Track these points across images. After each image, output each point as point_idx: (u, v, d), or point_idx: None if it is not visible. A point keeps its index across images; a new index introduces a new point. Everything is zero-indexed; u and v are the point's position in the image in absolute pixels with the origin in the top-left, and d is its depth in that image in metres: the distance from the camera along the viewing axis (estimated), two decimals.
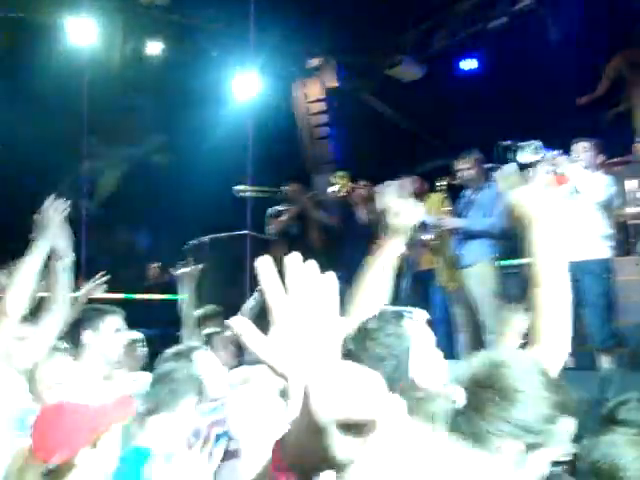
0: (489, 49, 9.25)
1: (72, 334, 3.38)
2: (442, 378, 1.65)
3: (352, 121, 9.83)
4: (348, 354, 1.53)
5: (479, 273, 5.54)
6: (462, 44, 9.21)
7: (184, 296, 4.42)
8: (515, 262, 5.61)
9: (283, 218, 7.53)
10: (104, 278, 4.13)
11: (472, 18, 8.92)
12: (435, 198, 6.09)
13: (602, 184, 5.06)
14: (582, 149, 5.23)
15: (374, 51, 9.70)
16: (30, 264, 2.95)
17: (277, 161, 9.66)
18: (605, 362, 5.02)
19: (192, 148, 9.79)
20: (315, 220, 7.49)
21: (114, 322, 3.44)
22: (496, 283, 5.50)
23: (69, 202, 3.08)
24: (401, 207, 2.22)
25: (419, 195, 6.33)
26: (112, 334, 3.40)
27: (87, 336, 3.36)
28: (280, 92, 9.74)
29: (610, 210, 5.26)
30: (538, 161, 5.03)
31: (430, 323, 5.30)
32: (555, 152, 5.11)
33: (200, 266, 4.68)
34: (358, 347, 1.62)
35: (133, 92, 9.19)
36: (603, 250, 5.08)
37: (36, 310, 3.20)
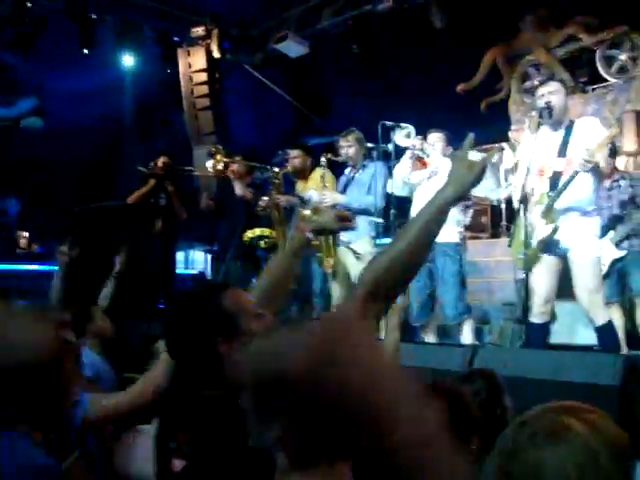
0: (375, 31, 9.34)
1: None
2: None
3: (236, 93, 9.72)
4: None
5: (357, 250, 5.62)
6: (347, 24, 9.25)
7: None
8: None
9: (142, 190, 7.45)
10: None
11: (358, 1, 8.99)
12: (317, 174, 6.11)
13: None
14: (435, 138, 5.46)
15: (259, 24, 9.60)
16: None
17: (161, 131, 9.44)
18: (465, 336, 5.28)
19: (69, 114, 9.38)
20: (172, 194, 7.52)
21: None
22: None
23: None
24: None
25: (302, 170, 6.35)
26: None
27: None
28: (164, 60, 9.47)
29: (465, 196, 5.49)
30: (408, 146, 5.32)
31: (310, 297, 5.38)
32: (420, 137, 5.37)
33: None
34: None
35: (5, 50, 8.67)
36: (454, 235, 5.31)
37: None
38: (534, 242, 4.43)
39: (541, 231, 4.42)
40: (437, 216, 1.69)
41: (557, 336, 5.67)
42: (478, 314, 6.12)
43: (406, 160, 5.48)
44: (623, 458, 1.17)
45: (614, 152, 5.72)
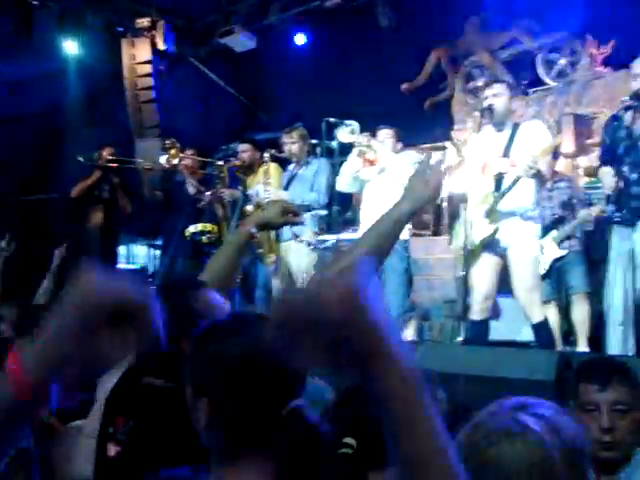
0: (322, 27, 9.34)
1: None
2: None
3: (180, 86, 9.60)
4: None
5: (300, 247, 5.61)
6: (296, 20, 9.24)
7: None
8: (333, 237, 5.71)
9: (86, 182, 7.32)
10: None
11: None
12: (260, 169, 6.09)
13: (407, 166, 5.30)
14: (385, 135, 5.47)
15: (206, 17, 9.51)
16: None
17: (103, 123, 9.25)
18: (408, 333, 5.33)
19: (8, 103, 9.11)
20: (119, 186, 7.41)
21: None
22: (315, 257, 5.61)
23: None
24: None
25: (251, 165, 6.33)
26: None
27: None
28: (108, 51, 9.26)
29: None
30: (352, 142, 5.31)
31: (252, 290, 5.34)
32: (367, 134, 5.35)
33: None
34: None
35: None
36: (404, 231, 5.33)
37: None
38: (475, 240, 4.50)
39: (483, 230, 4.49)
40: (393, 229, 1.71)
41: (497, 333, 5.79)
42: (419, 311, 6.19)
43: (354, 157, 5.47)
44: (578, 459, 1.18)
45: (555, 155, 5.86)
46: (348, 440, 1.63)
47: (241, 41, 9.09)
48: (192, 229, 6.29)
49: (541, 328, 4.50)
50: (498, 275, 4.61)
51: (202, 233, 6.25)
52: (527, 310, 4.54)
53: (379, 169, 5.44)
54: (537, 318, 4.49)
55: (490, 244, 4.51)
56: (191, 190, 6.61)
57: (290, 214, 2.15)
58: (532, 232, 4.58)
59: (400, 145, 5.56)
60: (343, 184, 5.54)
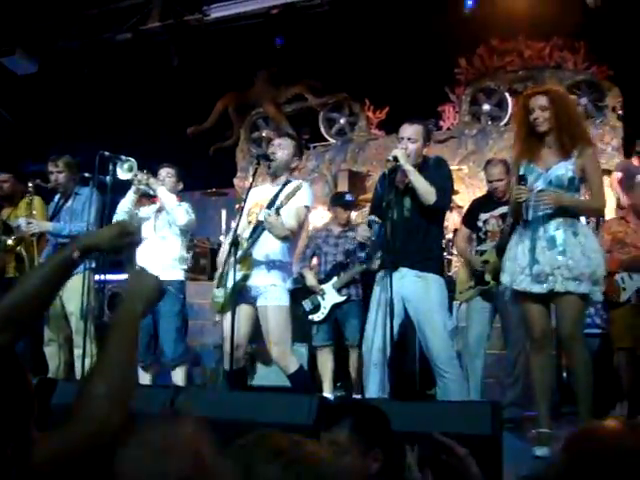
0: (111, 61, 9.13)
1: None
2: None
3: None
4: None
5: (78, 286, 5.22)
6: (83, 49, 8.98)
7: None
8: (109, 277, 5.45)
9: None
10: None
11: (98, 26, 8.78)
12: (24, 200, 5.79)
13: (184, 210, 5.28)
14: (166, 174, 5.43)
15: None
16: None
17: None
18: (178, 378, 5.20)
19: None
20: None
21: None
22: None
23: None
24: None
25: (10, 195, 6.01)
26: None
27: None
28: None
29: (187, 234, 5.53)
30: (131, 179, 5.17)
31: None
32: (146, 171, 5.24)
33: None
34: None
35: None
36: (178, 272, 5.30)
37: None
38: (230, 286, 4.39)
39: (236, 275, 4.36)
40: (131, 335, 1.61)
41: (265, 378, 5.87)
42: (190, 356, 6.09)
43: (131, 194, 5.29)
44: None
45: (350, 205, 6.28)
46: None
47: (22, 64, 8.66)
48: None
49: (297, 377, 4.40)
50: (252, 323, 4.52)
51: None
52: (280, 363, 4.45)
53: (157, 208, 5.34)
54: (292, 368, 4.40)
55: (243, 292, 4.43)
56: None
57: (128, 235, 1.92)
58: (279, 281, 4.47)
59: (181, 185, 5.49)
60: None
